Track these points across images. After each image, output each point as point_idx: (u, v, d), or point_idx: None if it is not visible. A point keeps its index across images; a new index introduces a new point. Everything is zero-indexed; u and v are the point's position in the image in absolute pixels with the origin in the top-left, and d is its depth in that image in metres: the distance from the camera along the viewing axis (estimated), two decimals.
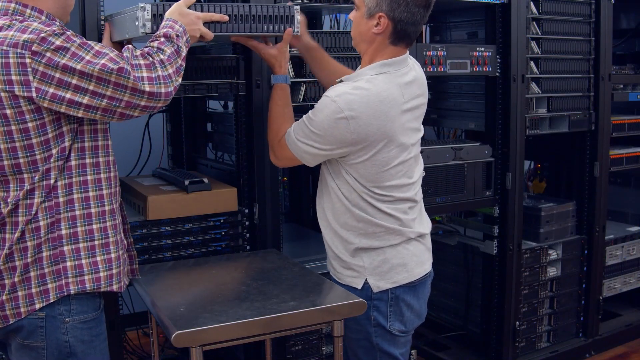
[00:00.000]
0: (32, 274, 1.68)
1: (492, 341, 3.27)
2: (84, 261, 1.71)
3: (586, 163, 3.47)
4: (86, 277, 1.71)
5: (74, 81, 1.59)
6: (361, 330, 2.04)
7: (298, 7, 2.12)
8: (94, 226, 1.73)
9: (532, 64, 3.13)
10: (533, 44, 3.13)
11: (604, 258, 3.59)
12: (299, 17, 2.12)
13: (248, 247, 2.51)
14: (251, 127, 2.44)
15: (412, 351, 2.94)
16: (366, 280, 2.02)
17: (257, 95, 2.40)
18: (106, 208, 1.75)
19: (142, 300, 1.98)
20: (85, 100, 1.61)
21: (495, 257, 3.21)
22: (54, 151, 1.65)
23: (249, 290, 1.98)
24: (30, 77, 1.57)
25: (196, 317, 1.75)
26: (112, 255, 1.76)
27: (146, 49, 1.73)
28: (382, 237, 2.01)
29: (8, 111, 1.59)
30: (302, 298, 1.92)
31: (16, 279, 1.67)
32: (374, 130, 1.91)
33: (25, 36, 1.56)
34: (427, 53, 2.82)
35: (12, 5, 1.66)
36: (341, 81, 2.02)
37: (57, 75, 1.58)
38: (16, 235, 1.66)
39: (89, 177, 1.71)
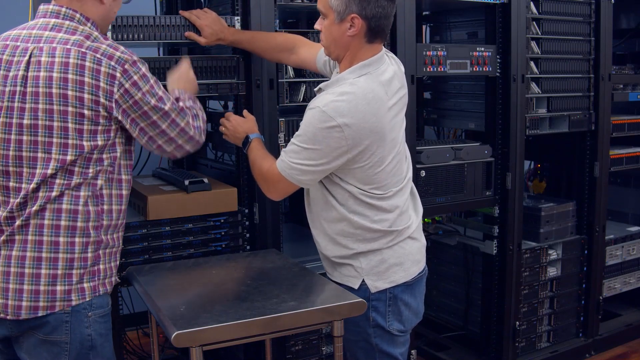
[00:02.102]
0: (74, 271, 1.73)
1: (492, 341, 3.28)
2: (106, 265, 1.81)
3: (586, 163, 3.47)
4: (107, 280, 1.81)
5: (145, 108, 1.76)
6: (360, 332, 2.03)
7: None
8: (114, 235, 1.83)
9: (532, 64, 3.13)
10: (533, 44, 3.13)
11: (604, 258, 3.59)
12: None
13: (248, 247, 2.51)
14: None
15: (412, 351, 2.94)
16: (363, 280, 2.01)
17: (257, 95, 2.41)
18: (120, 222, 1.85)
19: (142, 300, 1.99)
20: (143, 124, 1.78)
21: (495, 257, 3.21)
22: (104, 156, 1.75)
23: (249, 290, 1.98)
24: (115, 89, 1.70)
25: (196, 317, 1.75)
26: (117, 263, 1.86)
27: (187, 103, 1.93)
28: (379, 239, 2.01)
29: (86, 112, 1.68)
30: (302, 298, 1.92)
31: (59, 272, 1.71)
32: (367, 133, 1.89)
33: (119, 53, 1.72)
34: (427, 53, 2.82)
35: (77, 15, 1.75)
36: (320, 89, 2.00)
37: (136, 98, 1.74)
38: (64, 222, 1.72)
39: (114, 192, 1.81)
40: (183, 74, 2.11)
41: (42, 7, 1.78)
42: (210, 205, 2.43)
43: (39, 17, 1.78)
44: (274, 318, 1.78)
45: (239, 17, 2.39)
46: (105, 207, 1.78)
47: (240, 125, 2.21)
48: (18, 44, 1.73)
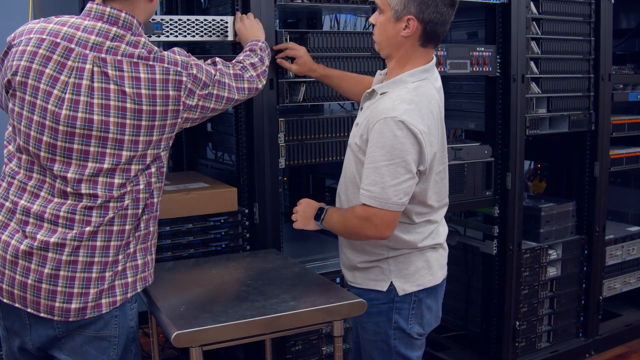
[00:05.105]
0: (128, 264, 1.78)
1: (492, 341, 3.27)
2: (148, 258, 1.85)
3: (586, 163, 3.47)
4: (147, 273, 1.85)
5: (208, 90, 1.84)
6: (380, 332, 2.03)
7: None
8: (152, 228, 1.86)
9: (532, 64, 3.13)
10: (533, 44, 3.13)
11: (604, 258, 3.59)
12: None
13: (248, 247, 2.51)
14: (251, 127, 2.44)
15: None
16: (391, 282, 2.00)
17: (257, 95, 2.40)
18: (157, 214, 1.87)
19: (142, 300, 1.98)
20: (211, 104, 1.87)
21: (495, 257, 3.21)
22: (162, 154, 1.81)
23: (249, 290, 1.98)
24: (182, 93, 1.76)
25: (196, 317, 1.75)
26: (153, 257, 1.89)
27: (237, 58, 2.08)
28: (410, 247, 1.99)
29: (157, 123, 1.73)
30: (302, 298, 1.92)
31: (119, 268, 1.76)
32: (435, 140, 1.89)
33: (180, 57, 1.78)
34: None
35: (123, 15, 1.72)
36: (374, 92, 1.97)
37: (198, 91, 1.81)
38: (128, 227, 1.77)
39: (159, 184, 1.84)
40: (251, 26, 2.28)
41: (94, 6, 1.72)
42: (210, 205, 2.43)
43: (94, 19, 1.71)
44: (274, 318, 1.78)
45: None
46: (155, 199, 1.82)
47: (309, 204, 2.06)
48: (73, 46, 1.67)
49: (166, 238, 2.36)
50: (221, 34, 2.33)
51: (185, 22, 2.26)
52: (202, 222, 2.43)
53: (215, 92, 1.87)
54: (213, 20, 2.31)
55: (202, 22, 2.29)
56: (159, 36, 2.22)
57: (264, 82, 2.10)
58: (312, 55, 2.47)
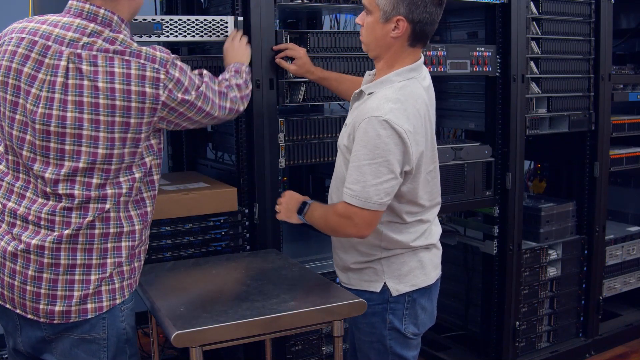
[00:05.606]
0: (116, 270, 1.76)
1: (492, 341, 3.28)
2: (135, 264, 1.83)
3: (586, 163, 3.47)
4: (133, 280, 1.83)
5: (190, 97, 1.79)
6: (375, 333, 2.03)
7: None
8: (143, 237, 1.85)
9: (532, 64, 3.13)
10: (533, 44, 3.13)
11: (604, 258, 3.59)
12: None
13: (248, 247, 2.51)
14: (251, 127, 2.44)
15: None
16: (385, 283, 2.00)
17: (257, 95, 2.41)
18: (149, 222, 1.86)
19: (142, 300, 1.99)
20: (190, 114, 1.82)
21: (495, 257, 3.21)
22: (147, 159, 1.77)
23: (249, 290, 1.98)
24: (161, 92, 1.71)
25: (196, 317, 1.75)
26: (141, 263, 1.87)
27: (224, 76, 2.06)
28: (402, 247, 2.00)
29: (132, 120, 1.69)
30: (302, 298, 1.92)
31: (107, 273, 1.74)
32: (423, 140, 1.89)
33: (159, 54, 1.72)
34: (427, 53, 2.82)
35: (102, 11, 1.70)
36: (362, 92, 1.97)
37: (180, 95, 1.75)
38: (112, 230, 1.75)
39: (150, 193, 1.83)
40: (239, 48, 2.27)
41: (75, 2, 1.71)
42: (210, 205, 2.43)
43: (74, 15, 1.70)
44: (274, 318, 1.78)
45: (241, 18, 2.38)
46: (148, 209, 1.81)
47: (293, 197, 2.07)
48: (50, 43, 1.66)
49: (166, 238, 2.36)
50: (221, 34, 2.33)
51: (185, 22, 2.27)
52: (202, 222, 2.43)
53: (198, 104, 1.82)
54: (213, 20, 2.32)
55: (202, 22, 2.30)
56: (159, 36, 2.22)
57: (246, 105, 2.08)
58: (312, 55, 2.47)
